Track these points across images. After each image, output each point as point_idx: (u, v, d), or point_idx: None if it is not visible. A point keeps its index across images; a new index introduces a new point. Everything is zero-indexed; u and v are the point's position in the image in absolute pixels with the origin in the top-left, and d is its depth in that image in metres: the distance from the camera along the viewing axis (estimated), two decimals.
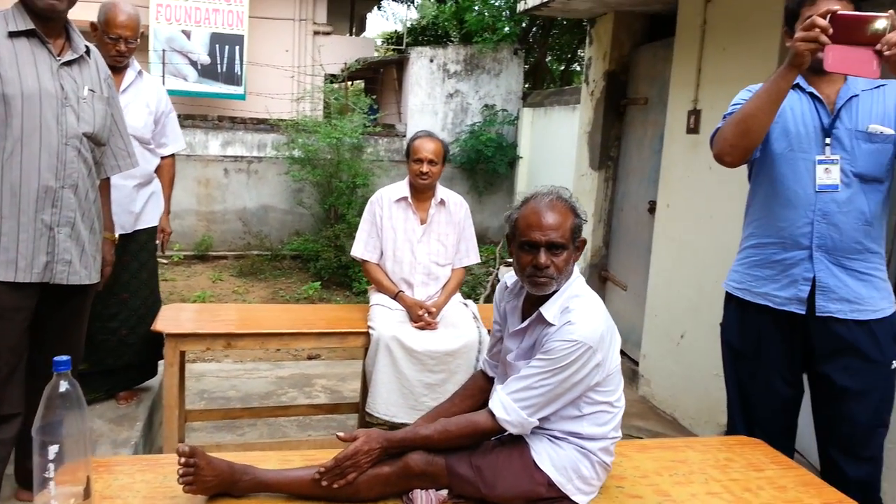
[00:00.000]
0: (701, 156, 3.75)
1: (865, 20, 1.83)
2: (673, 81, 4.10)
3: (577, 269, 1.86)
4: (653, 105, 4.66)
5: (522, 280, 1.83)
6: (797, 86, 2.17)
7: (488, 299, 7.07)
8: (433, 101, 10.02)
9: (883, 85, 2.14)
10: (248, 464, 1.75)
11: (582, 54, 13.37)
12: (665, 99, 4.23)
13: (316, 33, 11.28)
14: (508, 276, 2.01)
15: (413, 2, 14.56)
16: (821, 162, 2.12)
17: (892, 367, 2.15)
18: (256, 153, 9.29)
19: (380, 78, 12.71)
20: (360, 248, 3.32)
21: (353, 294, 7.58)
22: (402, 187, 3.30)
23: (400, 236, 3.26)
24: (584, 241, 1.86)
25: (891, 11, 1.84)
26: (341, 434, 1.76)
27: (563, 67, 13.92)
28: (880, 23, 1.82)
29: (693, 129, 3.86)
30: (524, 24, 10.77)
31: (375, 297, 3.30)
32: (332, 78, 10.53)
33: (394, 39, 15.32)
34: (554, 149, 8.67)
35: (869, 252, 2.13)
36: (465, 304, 3.35)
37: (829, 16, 1.85)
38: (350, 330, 3.14)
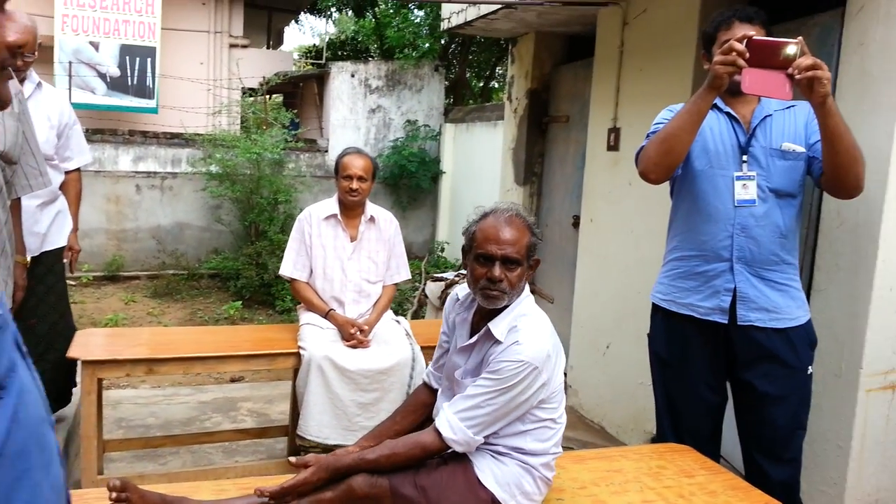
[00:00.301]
0: (622, 172, 3.88)
1: (778, 45, 1.95)
2: (593, 100, 4.23)
3: (527, 288, 1.89)
4: (574, 123, 4.79)
5: (475, 292, 1.84)
6: (715, 106, 2.28)
7: (416, 315, 7.06)
8: (355, 116, 9.98)
9: (793, 105, 2.28)
10: (182, 495, 1.67)
11: (501, 71, 13.66)
12: (586, 117, 4.36)
13: (232, 46, 11.02)
14: (460, 287, 2.02)
15: (331, 16, 14.47)
16: (738, 178, 2.23)
17: (809, 372, 2.27)
18: (171, 168, 8.97)
19: (300, 92, 12.55)
20: (289, 267, 3.26)
21: (276, 313, 7.40)
22: (331, 204, 3.26)
23: (330, 254, 3.22)
24: (538, 261, 1.89)
25: (800, 38, 1.97)
26: (293, 459, 1.73)
27: (482, 84, 14.15)
28: (791, 48, 1.94)
29: (613, 146, 3.99)
30: (444, 41, 10.90)
31: (305, 317, 3.24)
32: (250, 92, 10.30)
33: (313, 53, 15.17)
34: (477, 164, 8.79)
35: (785, 263, 2.25)
36: (398, 322, 3.33)
37: (745, 41, 1.96)
38: (280, 351, 3.06)
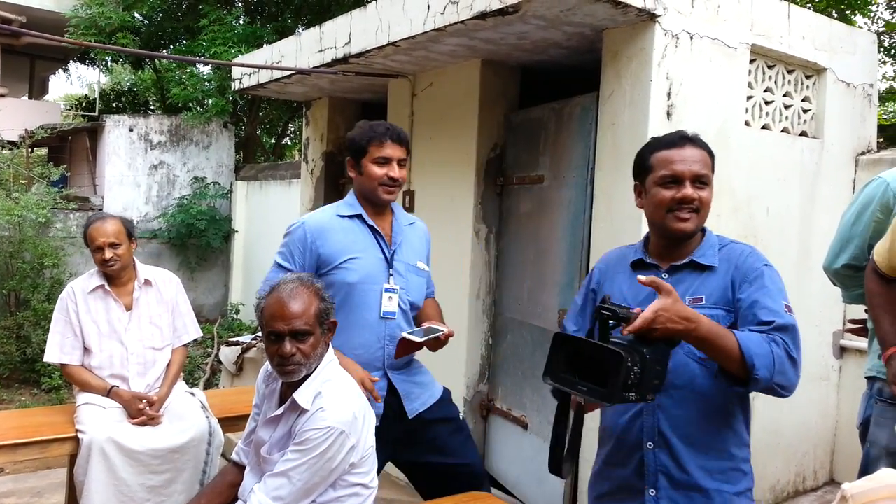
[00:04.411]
0: None
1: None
2: None
3: (331, 351, 1.90)
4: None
5: (273, 368, 1.82)
6: (360, 217, 2.40)
7: (208, 384, 6.66)
8: (134, 172, 9.36)
9: (413, 223, 2.56)
10: None
11: (293, 128, 13.65)
12: None
13: None
14: None
15: (106, 66, 13.54)
16: (386, 290, 2.39)
17: (462, 417, 2.57)
18: None
19: (69, 146, 11.49)
20: (56, 353, 2.93)
21: (42, 392, 6.57)
22: (95, 277, 3.01)
23: (104, 329, 2.96)
24: (335, 323, 1.91)
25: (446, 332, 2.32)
26: None
27: (274, 140, 14.01)
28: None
29: (409, 208, 4.18)
30: (233, 97, 10.69)
31: (83, 396, 2.93)
32: (10, 145, 9.23)
33: (84, 105, 14.02)
34: (271, 223, 8.62)
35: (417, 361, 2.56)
36: (192, 394, 3.14)
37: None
38: (53, 436, 2.75)
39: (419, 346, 2.31)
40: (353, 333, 2.29)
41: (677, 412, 1.60)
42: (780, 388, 1.58)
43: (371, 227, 2.39)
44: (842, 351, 3.71)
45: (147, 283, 3.07)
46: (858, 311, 2.46)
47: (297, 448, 1.71)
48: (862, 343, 2.96)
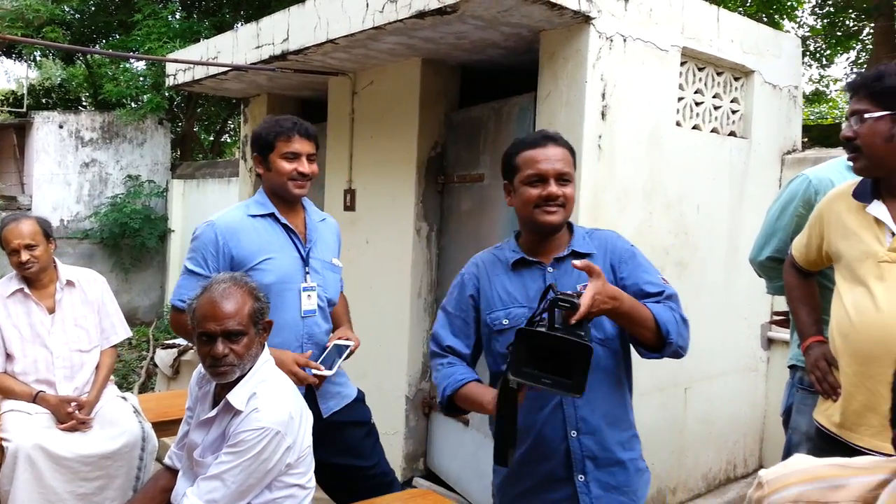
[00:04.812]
0: (359, 231, 4.05)
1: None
2: (328, 162, 4.37)
3: (266, 351, 1.88)
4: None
5: (205, 370, 1.78)
6: (272, 216, 2.35)
7: (143, 388, 6.48)
8: (65, 170, 9.01)
9: (324, 219, 2.55)
10: None
11: (233, 124, 13.36)
12: (322, 178, 4.48)
13: None
14: None
15: (34, 61, 12.97)
16: (304, 289, 2.36)
17: (373, 421, 2.56)
18: None
19: None
20: None
21: None
22: (13, 280, 2.89)
23: (26, 333, 2.85)
24: (270, 323, 1.89)
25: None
26: None
27: (213, 138, 13.69)
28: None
29: (350, 206, 4.15)
30: (169, 94, 10.41)
31: (7, 403, 2.82)
32: None
33: (11, 100, 13.41)
34: None
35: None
36: (124, 398, 3.04)
37: None
38: None
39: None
40: (273, 334, 2.24)
41: (593, 395, 1.65)
42: (682, 350, 1.75)
43: (285, 226, 2.35)
44: (769, 343, 3.87)
45: (70, 283, 2.96)
46: (783, 303, 2.57)
47: (230, 450, 1.68)
48: (788, 335, 3.09)
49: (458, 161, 3.74)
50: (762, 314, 3.82)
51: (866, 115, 1.73)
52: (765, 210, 2.54)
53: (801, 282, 2.12)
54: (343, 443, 2.44)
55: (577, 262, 1.56)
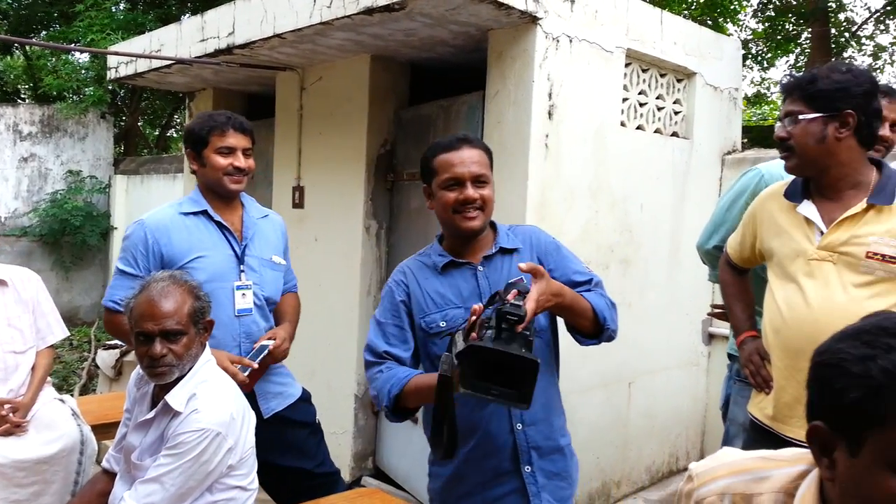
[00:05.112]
0: (307, 228, 4.01)
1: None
2: (276, 159, 4.32)
3: (207, 351, 1.84)
4: (259, 180, 4.80)
5: (143, 370, 1.74)
6: (205, 213, 2.31)
7: (84, 390, 6.29)
8: (2, 165, 8.67)
9: (267, 215, 2.52)
10: None
11: (179, 119, 13.06)
12: (271, 175, 4.42)
13: None
14: None
15: None
16: (238, 288, 2.33)
17: (317, 421, 2.56)
18: None
19: None
20: None
21: None
22: None
23: None
24: (212, 322, 1.85)
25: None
26: None
27: (158, 133, 13.36)
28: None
29: (298, 203, 4.11)
30: (112, 87, 10.11)
31: None
32: None
33: None
34: None
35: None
36: (62, 401, 2.95)
37: None
38: None
39: (263, 366, 2.29)
40: None
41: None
42: (614, 334, 1.81)
43: (218, 224, 2.32)
44: (710, 337, 3.98)
45: (2, 283, 2.85)
46: None
47: (169, 452, 1.64)
48: (727, 330, 3.18)
49: (407, 159, 3.74)
50: (703, 310, 3.92)
51: (800, 117, 1.80)
52: (706, 209, 2.62)
53: (735, 278, 2.19)
54: (286, 443, 2.42)
55: (522, 266, 1.56)
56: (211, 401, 1.70)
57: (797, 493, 0.98)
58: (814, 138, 1.78)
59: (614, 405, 3.51)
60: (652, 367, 3.68)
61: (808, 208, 1.84)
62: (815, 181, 1.86)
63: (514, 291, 1.50)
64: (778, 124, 1.89)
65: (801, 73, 1.94)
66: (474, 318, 1.50)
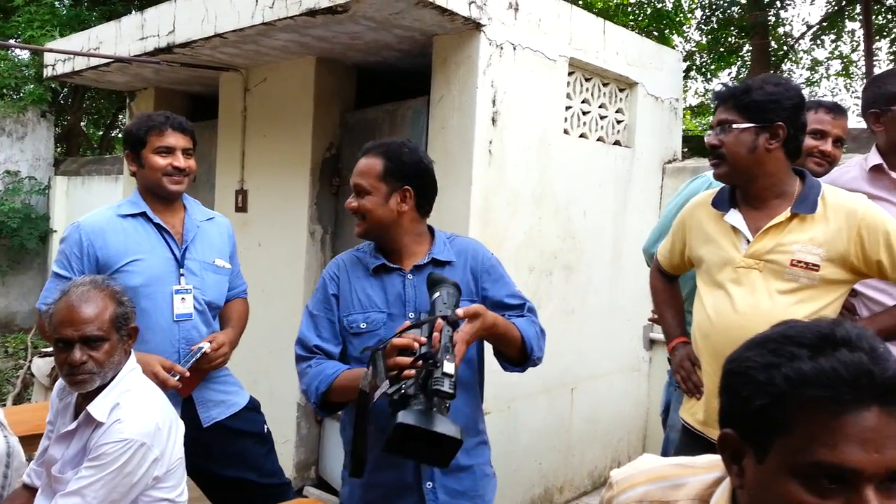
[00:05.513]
0: (251, 233, 3.93)
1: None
2: (219, 162, 4.23)
3: (133, 359, 1.78)
4: (202, 183, 4.70)
5: (63, 379, 1.68)
6: (144, 215, 2.26)
7: (18, 399, 6.05)
8: None
9: (212, 218, 2.47)
10: None
11: (123, 120, 12.71)
12: (213, 177, 4.33)
13: None
14: None
15: None
16: (177, 292, 2.25)
17: (266, 430, 2.51)
18: None
19: None
20: None
21: None
22: None
23: None
24: (136, 329, 1.80)
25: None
26: None
27: (102, 133, 12.98)
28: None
29: (241, 207, 4.03)
30: (54, 85, 9.78)
31: None
32: None
33: None
34: None
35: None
36: None
37: None
38: None
39: (202, 371, 2.24)
40: (145, 338, 2.13)
41: None
42: (539, 362, 1.83)
43: (157, 226, 2.26)
44: (651, 343, 4.05)
45: None
46: None
47: (91, 464, 1.58)
48: None
49: (353, 163, 3.63)
50: (645, 316, 3.98)
51: (733, 126, 1.84)
52: (647, 216, 2.66)
53: (665, 285, 2.23)
54: (229, 453, 2.36)
55: (459, 312, 1.55)
56: (135, 410, 1.65)
57: (711, 499, 1.00)
58: (745, 148, 1.83)
59: (557, 411, 3.54)
60: (594, 372, 3.72)
61: (734, 217, 1.89)
62: (743, 190, 1.91)
63: (444, 335, 1.50)
64: (710, 132, 1.93)
65: (734, 83, 1.98)
66: (398, 340, 1.51)
